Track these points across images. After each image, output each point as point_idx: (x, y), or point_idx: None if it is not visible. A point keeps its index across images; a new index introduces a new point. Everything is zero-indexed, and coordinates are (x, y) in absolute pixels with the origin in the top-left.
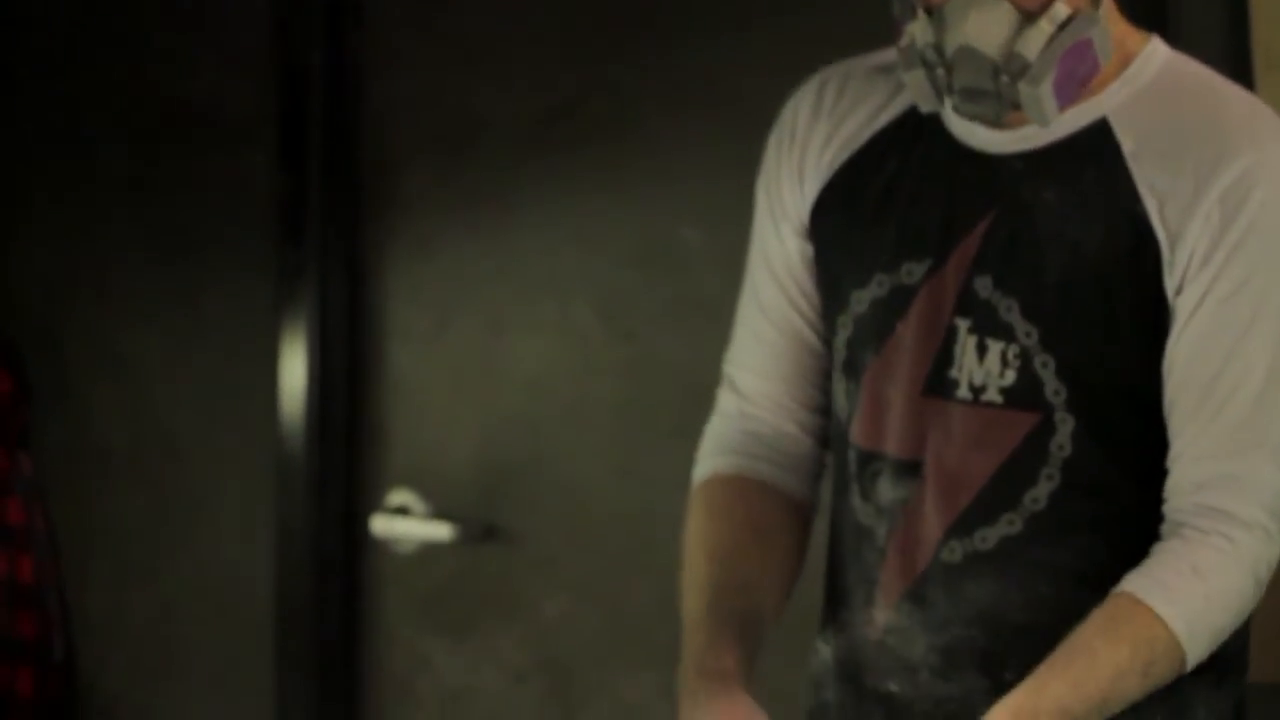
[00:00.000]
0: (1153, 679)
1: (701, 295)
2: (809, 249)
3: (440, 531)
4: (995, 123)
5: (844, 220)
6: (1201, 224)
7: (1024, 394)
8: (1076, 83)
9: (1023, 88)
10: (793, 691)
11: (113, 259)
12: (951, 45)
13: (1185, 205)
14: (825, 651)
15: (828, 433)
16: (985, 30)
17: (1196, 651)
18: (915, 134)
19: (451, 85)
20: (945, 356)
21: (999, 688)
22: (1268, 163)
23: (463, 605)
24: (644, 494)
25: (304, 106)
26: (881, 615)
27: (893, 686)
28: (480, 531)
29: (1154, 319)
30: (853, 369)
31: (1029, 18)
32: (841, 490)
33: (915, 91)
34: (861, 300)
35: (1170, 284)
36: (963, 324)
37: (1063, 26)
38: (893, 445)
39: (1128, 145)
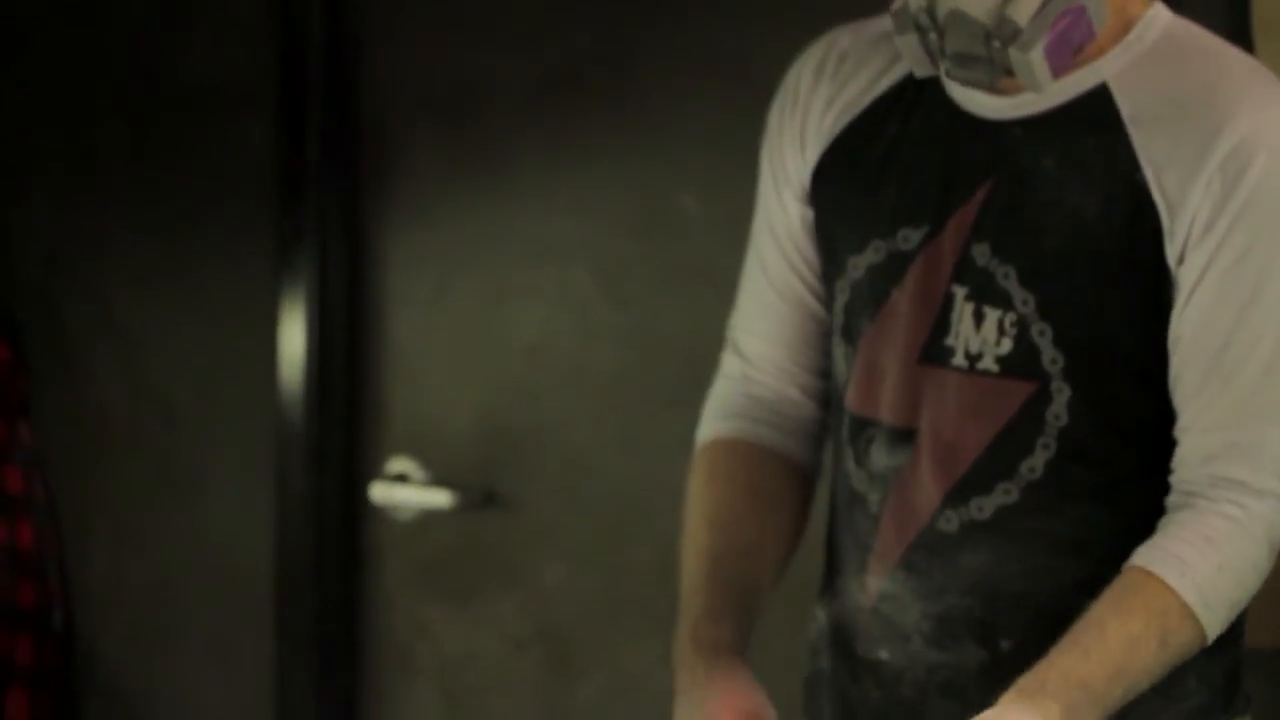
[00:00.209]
0: (1173, 650)
1: (701, 263)
2: (810, 214)
3: (439, 499)
4: (989, 88)
5: (843, 185)
6: (1202, 191)
7: (1020, 363)
8: (1070, 49)
9: (1014, 53)
10: (795, 658)
11: (111, 227)
12: (943, 9)
13: (1186, 172)
14: (821, 618)
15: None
16: None
17: (1214, 622)
18: (915, 99)
19: (451, 53)
20: (942, 324)
21: (995, 657)
22: (1269, 128)
23: (462, 573)
24: (644, 461)
25: (303, 74)
26: (875, 582)
27: (884, 654)
28: (480, 499)
29: (1153, 287)
30: (850, 335)
31: None
32: (838, 456)
33: (908, 56)
34: (858, 266)
35: (1171, 252)
36: (960, 291)
37: None
38: (887, 412)
39: (1127, 111)
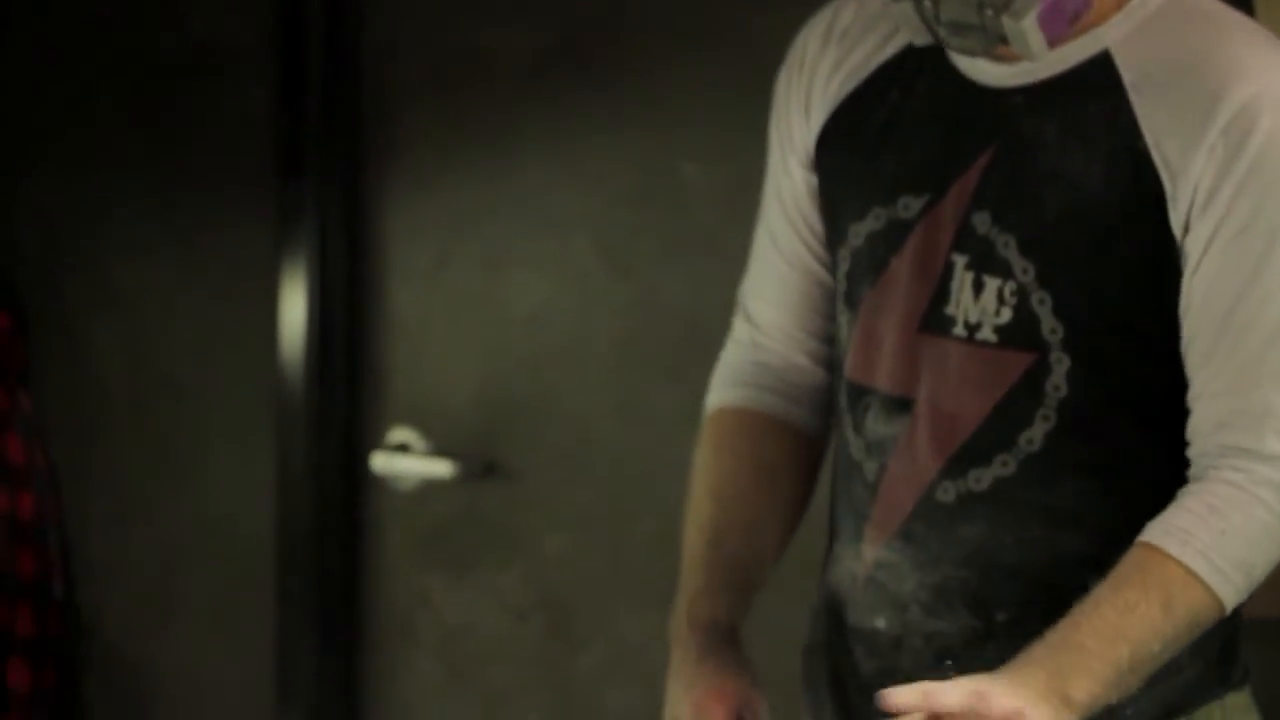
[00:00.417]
0: (1182, 615)
1: (701, 232)
2: (814, 180)
3: (440, 469)
4: (986, 56)
5: (846, 152)
6: (1205, 158)
7: (1020, 333)
8: (1065, 17)
9: (1006, 21)
10: (800, 629)
11: (111, 197)
12: None
13: (1188, 139)
14: (822, 586)
15: None
16: None
17: (1227, 586)
18: (919, 66)
19: (451, 22)
20: (941, 293)
21: (990, 628)
22: (1272, 92)
23: (463, 543)
24: (644, 430)
25: (304, 44)
26: (871, 551)
27: (879, 623)
28: (480, 469)
29: (1155, 256)
30: (851, 303)
31: None
32: (838, 423)
33: (903, 24)
34: (858, 233)
35: (1174, 219)
36: (960, 260)
37: None
38: (884, 380)
39: (1129, 78)
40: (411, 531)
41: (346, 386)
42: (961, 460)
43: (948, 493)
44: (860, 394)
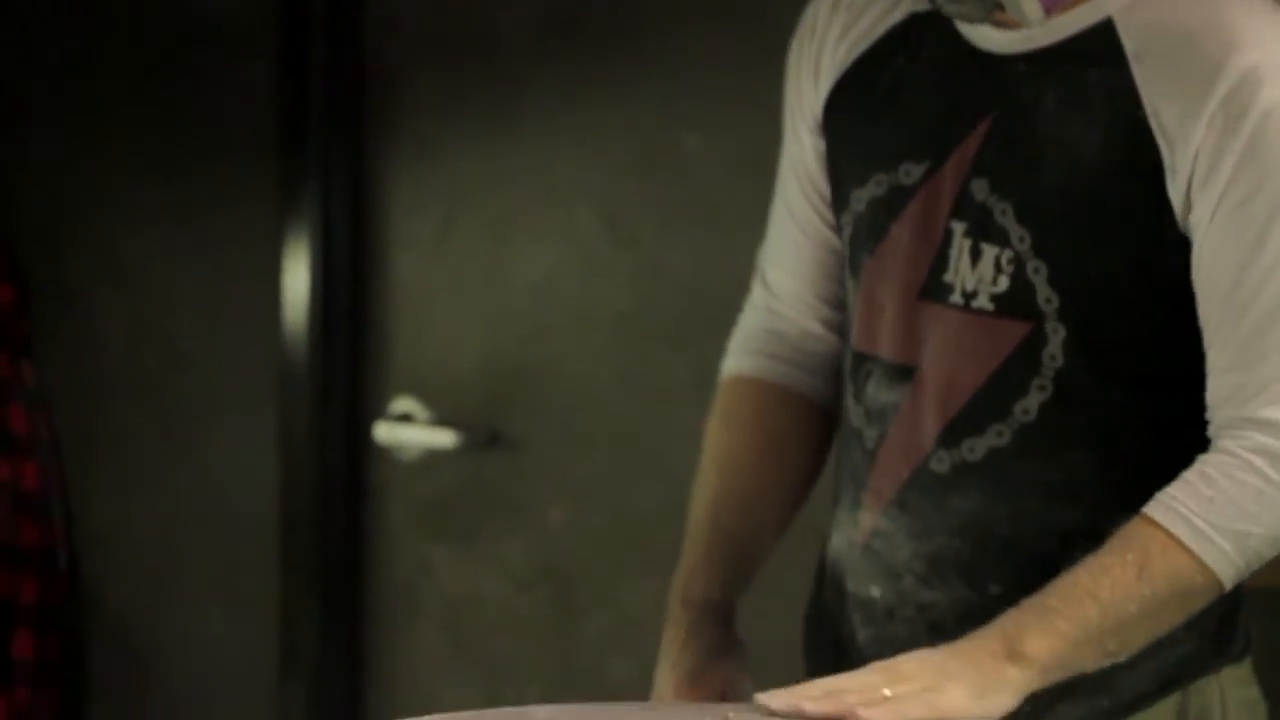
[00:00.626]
0: (1161, 580)
1: (705, 201)
2: (823, 146)
3: (443, 439)
4: (987, 23)
5: (852, 117)
6: (1205, 129)
7: (1016, 301)
8: None
9: None
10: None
11: (114, 168)
12: None
13: (1188, 109)
14: (826, 552)
15: None
16: None
17: (1213, 553)
18: (925, 32)
19: None
20: (941, 260)
21: (984, 600)
22: (1274, 61)
23: (466, 512)
24: (648, 400)
25: (306, 14)
26: (868, 519)
27: (875, 591)
28: (484, 439)
29: (1152, 227)
30: (854, 270)
31: None
32: (843, 391)
33: None
34: (860, 199)
35: (1173, 191)
36: (958, 227)
37: None
38: (885, 348)
39: (1131, 47)
40: (415, 501)
41: (349, 356)
42: (956, 430)
43: (942, 462)
44: (862, 361)
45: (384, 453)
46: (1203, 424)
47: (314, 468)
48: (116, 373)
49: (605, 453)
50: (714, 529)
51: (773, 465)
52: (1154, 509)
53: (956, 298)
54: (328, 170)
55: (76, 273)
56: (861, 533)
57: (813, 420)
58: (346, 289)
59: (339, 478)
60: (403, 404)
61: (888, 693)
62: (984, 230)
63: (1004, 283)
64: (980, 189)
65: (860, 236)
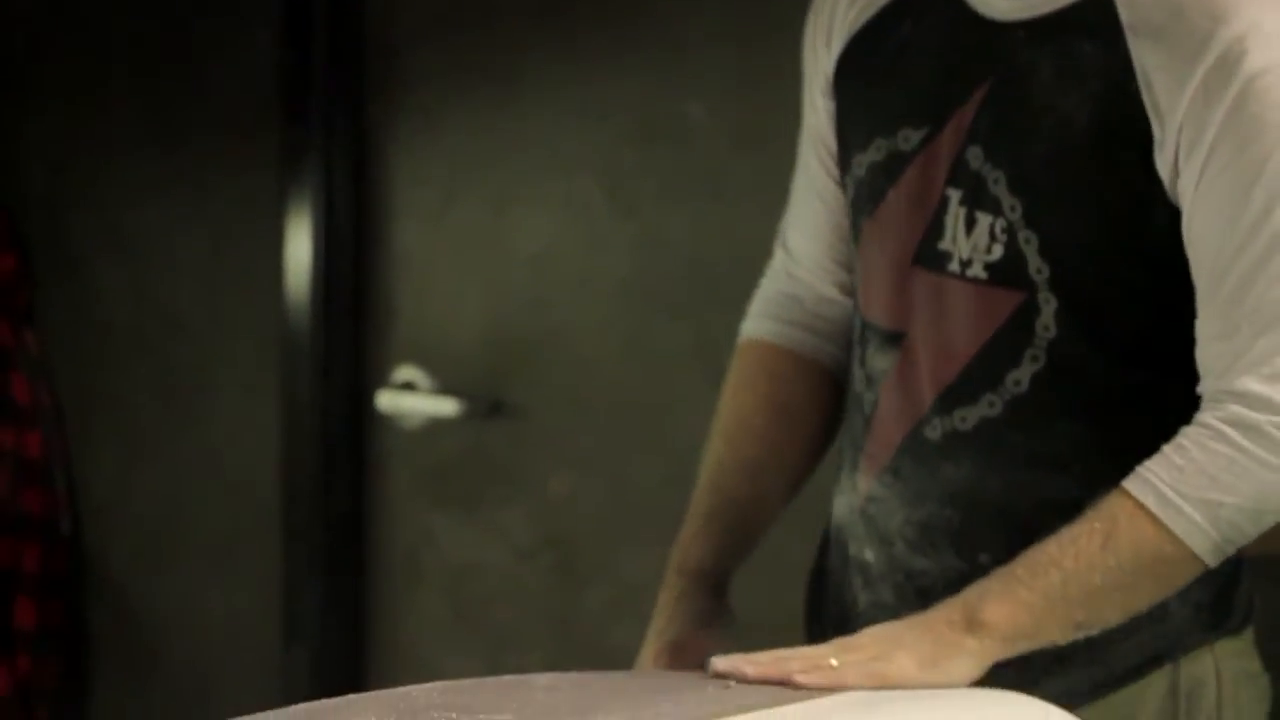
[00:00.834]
0: (1124, 550)
1: (707, 171)
2: (834, 110)
3: (446, 407)
4: None
5: (857, 82)
6: (1190, 100)
7: (1009, 271)
8: None
9: None
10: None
11: (116, 136)
12: None
13: (1176, 81)
14: (831, 514)
15: None
16: None
17: (1182, 522)
18: None
19: None
20: (936, 227)
21: (973, 569)
22: (1260, 30)
23: (468, 481)
24: (649, 369)
25: None
26: (864, 483)
27: (869, 555)
28: (486, 407)
29: (1140, 197)
30: (855, 235)
31: None
32: (850, 355)
33: None
34: (861, 164)
35: (1161, 163)
36: (954, 194)
37: None
38: (880, 314)
39: (1127, 18)
40: (416, 470)
41: (351, 325)
42: (949, 399)
43: (935, 430)
44: (864, 326)
45: (386, 421)
46: (1195, 397)
47: (316, 436)
48: (118, 341)
49: (606, 421)
50: (716, 494)
51: (782, 431)
52: (1128, 479)
53: (952, 266)
54: (330, 140)
55: (78, 241)
56: (859, 497)
57: (825, 387)
58: (348, 258)
59: (341, 446)
60: (405, 373)
61: (834, 662)
62: (978, 198)
63: (998, 252)
64: (975, 157)
65: (860, 201)
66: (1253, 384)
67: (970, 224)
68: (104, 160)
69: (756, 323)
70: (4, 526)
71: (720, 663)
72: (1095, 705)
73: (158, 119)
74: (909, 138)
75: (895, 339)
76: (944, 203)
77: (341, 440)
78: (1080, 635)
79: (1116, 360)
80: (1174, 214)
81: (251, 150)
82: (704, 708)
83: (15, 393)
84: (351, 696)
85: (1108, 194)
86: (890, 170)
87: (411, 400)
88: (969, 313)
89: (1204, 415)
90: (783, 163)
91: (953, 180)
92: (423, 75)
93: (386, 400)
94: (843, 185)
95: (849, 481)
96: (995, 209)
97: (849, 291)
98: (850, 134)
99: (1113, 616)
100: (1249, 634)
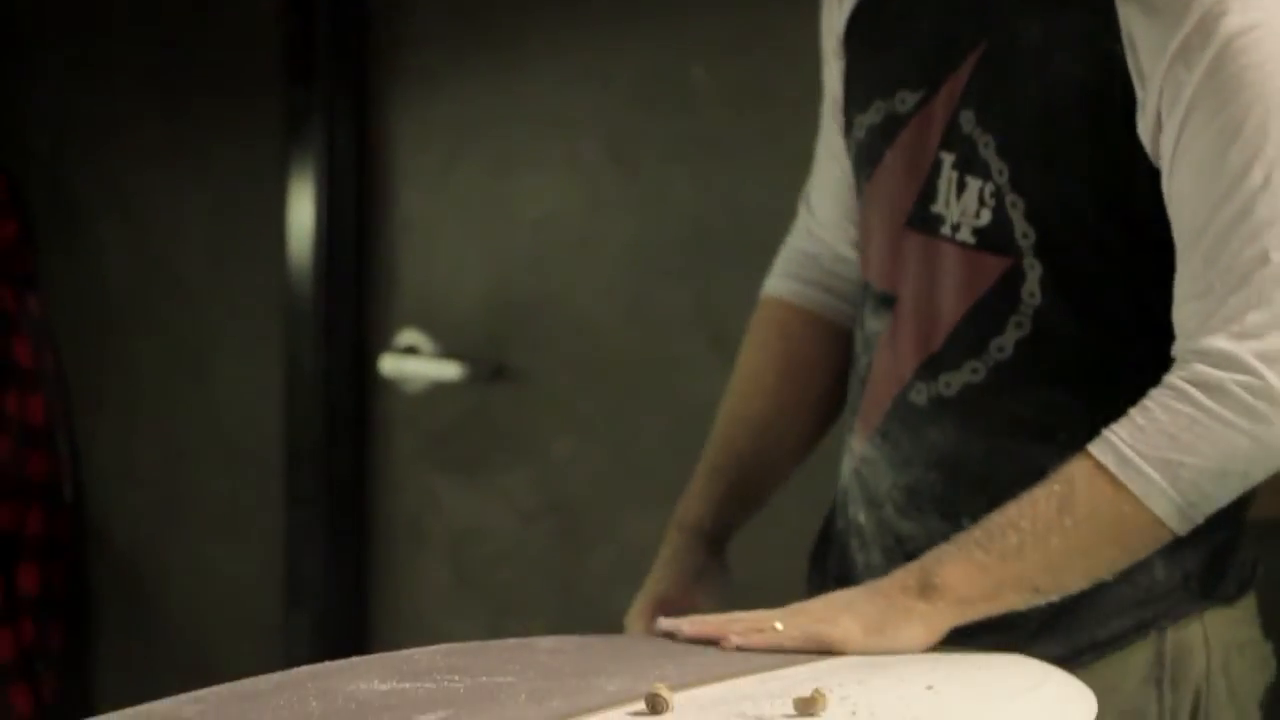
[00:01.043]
0: (1081, 512)
1: (710, 133)
2: (843, 70)
3: (449, 371)
4: None
5: (861, 44)
6: (1169, 64)
7: (996, 236)
8: None
9: None
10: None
11: (119, 101)
12: None
13: (1158, 45)
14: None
15: None
16: None
17: (1141, 483)
18: None
19: None
20: (929, 190)
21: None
22: None
23: (472, 445)
24: (652, 332)
25: None
26: (858, 445)
27: (862, 518)
28: (489, 371)
29: (1123, 165)
30: (859, 195)
31: None
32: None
33: None
34: (860, 125)
35: (1142, 128)
36: (947, 158)
37: None
38: (876, 276)
39: None
40: (420, 434)
41: (355, 289)
42: (933, 364)
43: (920, 394)
44: (864, 288)
45: (389, 385)
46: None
47: (319, 400)
48: (121, 306)
49: (610, 384)
50: (722, 451)
51: (793, 390)
52: (1093, 442)
53: (944, 229)
54: (333, 103)
55: (82, 206)
56: (855, 458)
57: (839, 347)
58: (351, 222)
59: (344, 410)
60: (408, 336)
61: (779, 625)
62: (969, 163)
63: (986, 216)
64: (968, 120)
65: (860, 162)
66: (1220, 341)
67: (961, 188)
68: (107, 125)
69: (776, 281)
70: (7, 491)
71: (665, 623)
72: (1079, 674)
73: (160, 84)
74: (905, 100)
75: (889, 301)
76: (937, 166)
77: (344, 404)
78: (1041, 600)
79: (1100, 328)
80: (1156, 178)
81: (255, 114)
82: (707, 670)
83: (19, 357)
84: (355, 659)
85: (1093, 159)
86: (887, 132)
87: (414, 364)
88: (957, 277)
89: (1170, 375)
90: (785, 126)
91: (946, 144)
92: (425, 40)
93: (389, 364)
94: (846, 146)
95: (849, 442)
96: (985, 173)
97: None
98: (853, 95)
99: (1075, 581)
100: (1247, 602)
